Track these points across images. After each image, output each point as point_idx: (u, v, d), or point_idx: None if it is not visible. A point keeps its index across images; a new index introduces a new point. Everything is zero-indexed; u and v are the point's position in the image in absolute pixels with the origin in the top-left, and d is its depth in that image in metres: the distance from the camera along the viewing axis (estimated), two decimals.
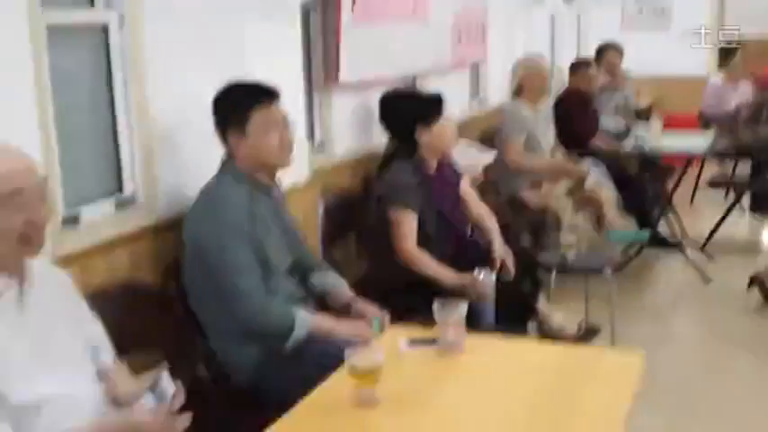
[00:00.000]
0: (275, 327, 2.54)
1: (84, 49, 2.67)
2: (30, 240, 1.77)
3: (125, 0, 2.68)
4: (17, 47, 2.23)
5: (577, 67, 6.23)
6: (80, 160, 2.65)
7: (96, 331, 2.00)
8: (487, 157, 4.72)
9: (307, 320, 2.57)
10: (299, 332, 2.54)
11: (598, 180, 5.19)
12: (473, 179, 4.24)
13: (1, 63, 2.17)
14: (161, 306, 2.36)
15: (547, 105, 5.46)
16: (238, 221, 2.54)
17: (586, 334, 3.72)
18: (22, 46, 2.24)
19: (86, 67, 2.68)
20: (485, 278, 3.05)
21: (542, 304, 3.66)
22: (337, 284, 2.86)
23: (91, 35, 2.67)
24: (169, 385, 1.83)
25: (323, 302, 2.82)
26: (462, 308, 2.32)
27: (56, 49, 2.45)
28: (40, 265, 1.88)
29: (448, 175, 3.60)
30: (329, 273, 2.90)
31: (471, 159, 4.53)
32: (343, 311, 2.77)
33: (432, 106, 3.52)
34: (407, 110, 3.60)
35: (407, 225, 3.31)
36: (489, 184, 4.59)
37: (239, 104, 2.65)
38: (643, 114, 7.37)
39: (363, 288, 3.31)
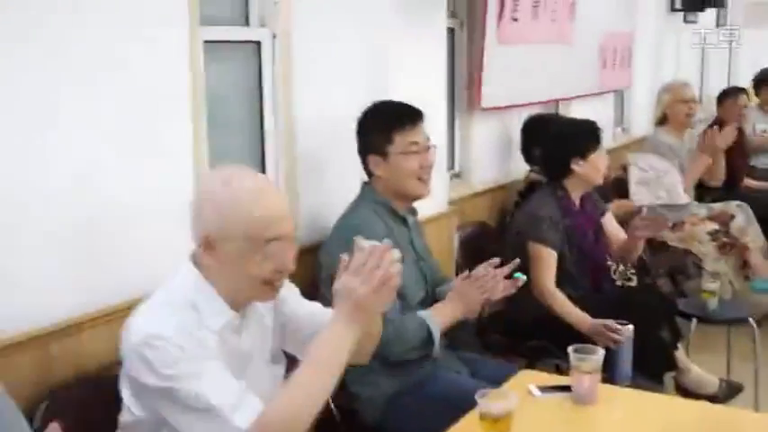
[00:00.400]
0: (415, 341, 2.50)
1: (238, 65, 2.73)
2: (272, 287, 1.77)
3: (278, 19, 2.72)
4: (177, 61, 2.30)
5: (725, 95, 5.91)
6: None
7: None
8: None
9: (433, 318, 2.53)
10: (436, 333, 2.50)
11: (744, 224, 4.90)
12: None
13: (161, 75, 2.25)
14: None
15: (692, 136, 5.22)
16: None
17: (728, 392, 3.50)
18: (181, 60, 2.30)
19: (239, 83, 2.74)
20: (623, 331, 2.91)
21: (681, 355, 3.48)
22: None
23: (244, 51, 2.73)
24: None
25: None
26: (599, 355, 2.22)
27: (211, 64, 2.52)
28: None
29: (590, 209, 3.47)
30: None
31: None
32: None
33: (588, 135, 3.37)
34: (561, 138, 3.46)
35: (546, 261, 3.22)
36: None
37: (382, 126, 2.64)
38: None
39: (497, 324, 3.25)
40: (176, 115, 2.30)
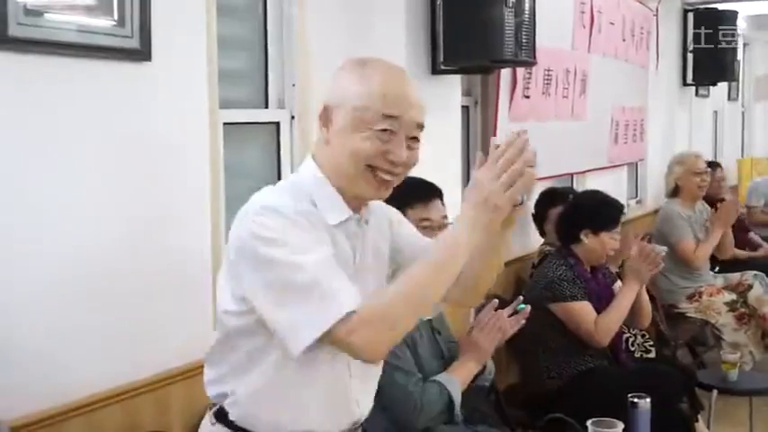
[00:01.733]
0: (438, 408, 2.49)
1: (257, 145, 2.81)
2: (377, 177, 1.61)
3: (296, 100, 2.81)
4: (197, 142, 2.37)
5: None
6: None
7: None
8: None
9: (454, 382, 2.53)
10: (456, 397, 2.50)
11: (762, 293, 4.88)
12: None
13: (182, 157, 2.32)
14: None
15: (704, 207, 5.24)
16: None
17: None
18: (201, 142, 2.38)
19: (258, 162, 2.82)
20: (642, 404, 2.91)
21: (701, 428, 3.43)
22: None
23: (263, 132, 2.81)
24: None
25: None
26: (618, 429, 2.23)
27: (231, 144, 2.60)
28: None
29: (601, 278, 3.49)
30: None
31: None
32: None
33: (608, 213, 3.43)
34: (581, 205, 3.53)
35: (582, 311, 3.25)
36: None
37: (395, 203, 2.67)
38: None
39: (513, 396, 3.24)
40: (196, 194, 2.37)
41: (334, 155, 1.61)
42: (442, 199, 2.67)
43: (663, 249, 4.14)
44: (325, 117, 1.63)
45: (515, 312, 2.64)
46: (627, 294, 3.28)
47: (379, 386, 2.50)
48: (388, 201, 2.65)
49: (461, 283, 1.66)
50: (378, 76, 1.60)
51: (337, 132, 1.60)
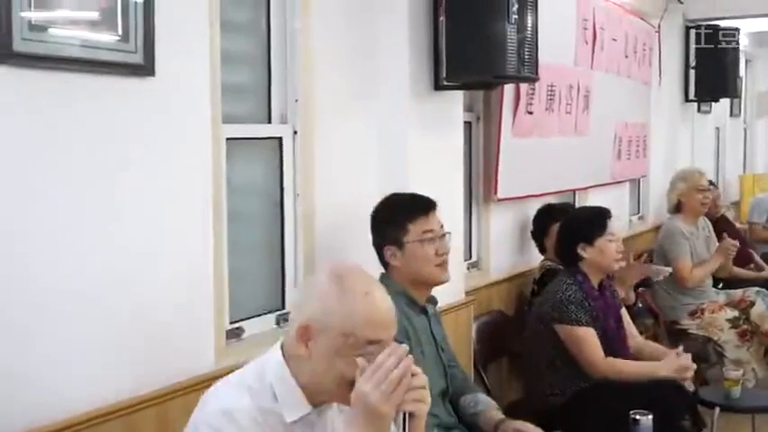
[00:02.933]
0: None
1: (260, 159, 2.82)
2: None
3: (298, 115, 2.82)
4: (200, 157, 2.38)
5: None
6: (247, 272, 2.75)
7: None
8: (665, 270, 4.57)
9: None
10: None
11: (765, 310, 4.86)
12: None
13: (185, 171, 2.32)
14: None
15: (706, 223, 5.24)
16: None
17: None
18: (204, 157, 2.39)
19: (260, 177, 2.83)
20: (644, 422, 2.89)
21: None
22: (487, 405, 2.78)
23: (266, 147, 2.82)
24: None
25: (473, 426, 2.74)
26: None
27: (234, 159, 2.61)
28: None
29: (608, 296, 3.48)
30: (479, 395, 2.83)
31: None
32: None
33: (594, 220, 3.41)
34: (568, 224, 3.52)
35: (589, 340, 3.22)
36: (648, 311, 4.41)
37: (396, 217, 2.68)
38: None
39: (516, 413, 3.22)
40: (198, 209, 2.37)
41: (316, 371, 1.67)
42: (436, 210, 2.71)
43: (667, 271, 4.15)
44: (307, 335, 1.66)
45: None
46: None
47: None
48: (387, 217, 2.67)
49: None
50: (359, 298, 1.66)
51: (319, 353, 1.66)
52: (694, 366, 3.25)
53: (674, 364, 3.21)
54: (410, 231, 2.65)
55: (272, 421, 1.64)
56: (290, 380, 1.68)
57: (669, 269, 4.17)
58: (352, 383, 1.61)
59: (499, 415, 2.75)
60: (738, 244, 5.00)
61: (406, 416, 1.57)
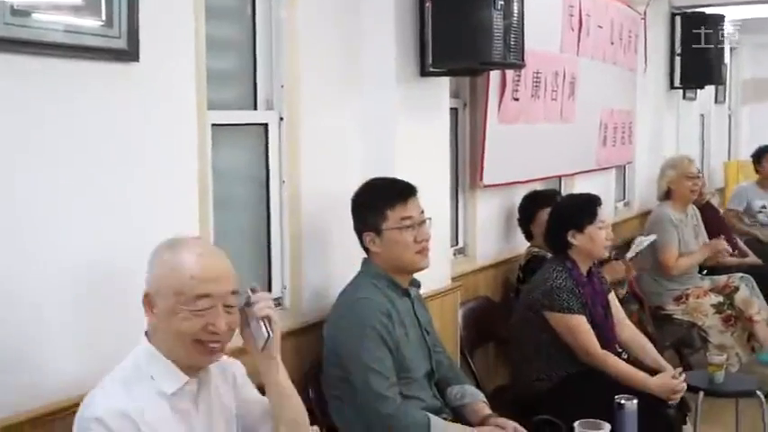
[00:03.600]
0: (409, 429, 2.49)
1: (245, 146, 2.81)
2: (205, 347, 1.80)
3: (284, 101, 2.81)
4: (185, 144, 2.37)
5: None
6: (233, 257, 2.72)
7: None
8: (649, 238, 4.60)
9: (441, 428, 2.52)
10: None
11: (749, 296, 4.91)
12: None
13: (170, 157, 2.32)
14: None
15: (695, 211, 5.27)
16: (377, 323, 2.55)
17: None
18: (189, 143, 2.38)
19: (246, 163, 2.82)
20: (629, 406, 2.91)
21: (688, 430, 3.44)
22: (475, 397, 2.80)
23: (252, 133, 2.81)
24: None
25: (459, 415, 2.75)
26: (605, 431, 2.23)
27: (219, 145, 2.60)
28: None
29: (597, 283, 3.49)
30: (466, 385, 2.85)
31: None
32: (480, 425, 2.70)
33: (584, 208, 3.42)
34: (558, 212, 3.52)
35: (581, 327, 3.23)
36: (633, 296, 4.44)
37: (375, 203, 2.68)
38: None
39: (502, 398, 3.25)
40: (183, 196, 2.36)
41: (165, 336, 1.80)
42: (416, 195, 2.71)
43: (650, 239, 4.22)
44: (148, 303, 1.81)
45: None
46: None
47: (354, 386, 2.51)
48: (366, 203, 2.67)
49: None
50: (183, 258, 1.80)
51: (161, 317, 1.79)
52: (684, 389, 3.23)
53: (667, 384, 3.18)
54: (389, 218, 2.65)
55: (152, 404, 1.75)
56: (158, 355, 1.81)
57: (653, 236, 4.19)
58: (196, 340, 1.77)
59: (486, 410, 2.75)
60: (731, 249, 5.06)
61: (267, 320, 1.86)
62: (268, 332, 1.88)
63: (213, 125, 2.55)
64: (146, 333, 1.85)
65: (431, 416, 2.54)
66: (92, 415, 1.70)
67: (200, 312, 1.77)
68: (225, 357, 1.94)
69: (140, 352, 1.83)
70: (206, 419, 1.86)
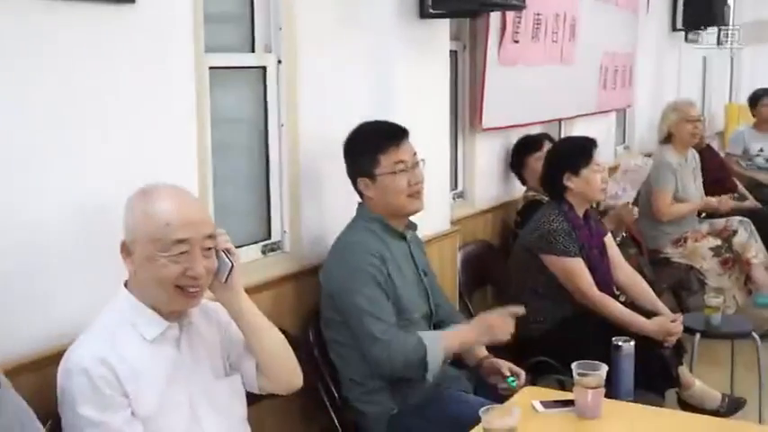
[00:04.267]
0: (408, 363, 2.50)
1: (243, 90, 2.79)
2: (185, 293, 1.84)
3: (282, 44, 2.78)
4: (183, 87, 2.35)
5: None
6: (233, 202, 2.75)
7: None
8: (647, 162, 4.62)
9: (436, 340, 2.53)
10: (434, 357, 2.50)
11: (747, 239, 4.93)
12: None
13: (168, 101, 2.30)
14: (300, 353, 2.40)
15: (695, 154, 5.26)
16: (369, 265, 2.56)
17: (730, 407, 3.51)
18: (186, 87, 2.36)
19: (244, 107, 2.80)
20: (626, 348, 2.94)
21: (684, 371, 3.49)
22: None
23: (250, 77, 2.79)
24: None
25: (456, 357, 2.78)
26: (602, 371, 2.26)
27: (217, 89, 2.57)
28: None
29: (594, 226, 3.50)
30: None
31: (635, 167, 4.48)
32: (476, 366, 2.74)
33: (580, 151, 3.41)
34: (554, 156, 3.52)
35: (578, 270, 3.26)
36: (632, 239, 4.45)
37: (367, 149, 2.66)
38: None
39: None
40: (181, 140, 2.35)
41: (144, 283, 1.83)
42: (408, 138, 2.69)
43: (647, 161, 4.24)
44: (126, 252, 1.84)
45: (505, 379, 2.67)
46: None
47: (353, 329, 2.53)
48: (358, 149, 2.65)
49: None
50: (158, 205, 1.82)
51: (139, 264, 1.82)
52: (680, 331, 3.28)
53: (663, 326, 3.22)
54: (381, 163, 2.63)
55: (135, 350, 1.80)
56: (137, 303, 1.85)
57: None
58: (176, 286, 1.80)
59: (483, 351, 2.78)
60: (729, 208, 5.07)
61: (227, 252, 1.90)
62: (231, 263, 1.90)
63: (211, 68, 2.53)
64: (125, 284, 1.88)
65: (422, 335, 2.54)
66: (76, 366, 1.75)
67: (177, 258, 1.79)
68: (205, 301, 1.97)
69: (121, 300, 1.86)
70: (191, 362, 1.90)
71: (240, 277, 1.95)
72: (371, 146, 2.66)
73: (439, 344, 2.53)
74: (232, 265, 1.91)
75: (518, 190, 4.27)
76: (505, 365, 2.69)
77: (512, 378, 2.64)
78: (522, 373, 2.69)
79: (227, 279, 1.91)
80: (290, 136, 2.81)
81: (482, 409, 2.00)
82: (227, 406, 1.96)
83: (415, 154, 2.69)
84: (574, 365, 2.26)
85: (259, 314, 1.99)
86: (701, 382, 3.56)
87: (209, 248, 1.86)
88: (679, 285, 4.66)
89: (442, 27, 3.49)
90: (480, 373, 2.72)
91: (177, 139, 2.34)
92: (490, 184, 4.21)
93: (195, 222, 1.83)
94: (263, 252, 2.80)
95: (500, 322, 2.64)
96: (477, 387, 2.70)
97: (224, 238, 1.92)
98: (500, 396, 2.52)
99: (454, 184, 4.00)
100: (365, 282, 2.54)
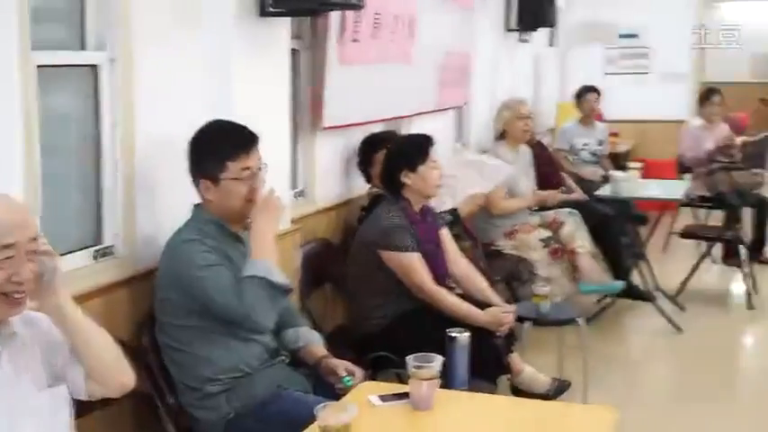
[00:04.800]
0: (262, 299, 2.50)
1: (75, 89, 2.70)
2: (9, 299, 1.78)
3: (116, 42, 2.71)
4: (7, 86, 2.25)
5: None
6: (62, 206, 2.66)
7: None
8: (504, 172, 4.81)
9: (254, 263, 2.53)
10: (267, 271, 2.51)
11: (573, 230, 5.24)
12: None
13: None
14: (134, 359, 2.35)
15: (527, 150, 5.53)
16: (201, 261, 2.53)
17: (558, 389, 3.72)
18: (11, 86, 2.26)
19: (76, 107, 2.72)
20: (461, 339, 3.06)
21: (515, 358, 3.67)
22: (311, 340, 2.84)
23: (81, 75, 2.71)
24: None
25: (296, 358, 2.81)
26: (436, 363, 2.33)
27: (47, 88, 2.49)
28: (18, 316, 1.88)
29: (431, 221, 3.62)
30: (303, 328, 2.88)
31: (485, 174, 4.63)
32: (317, 367, 2.77)
33: (417, 148, 3.51)
34: (392, 153, 3.60)
35: (415, 265, 3.34)
36: (466, 233, 4.62)
37: (216, 152, 2.63)
38: (621, 159, 7.51)
39: (340, 338, 3.33)
40: (7, 142, 2.26)
41: None
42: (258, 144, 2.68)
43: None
44: None
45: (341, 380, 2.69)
46: None
47: (208, 307, 2.50)
48: (206, 150, 2.62)
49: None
50: None
51: None
52: (511, 321, 3.44)
53: (495, 317, 3.37)
54: (228, 169, 2.61)
55: None
56: None
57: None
58: (0, 293, 1.75)
59: (321, 351, 2.81)
60: (556, 202, 5.39)
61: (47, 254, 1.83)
62: (51, 265, 1.85)
63: (39, 66, 2.43)
64: None
65: (247, 270, 2.53)
66: None
67: (3, 263, 1.75)
68: (27, 311, 1.90)
69: None
70: (12, 375, 1.83)
71: (62, 280, 1.88)
72: (221, 150, 2.62)
73: (257, 265, 2.52)
74: (52, 268, 1.84)
75: (360, 188, 4.34)
76: (342, 365, 2.72)
77: (347, 378, 2.67)
78: (359, 371, 2.73)
79: (47, 283, 1.84)
80: (124, 136, 2.75)
81: (317, 407, 2.04)
82: (51, 417, 1.89)
83: (260, 159, 2.67)
84: (408, 359, 2.33)
85: (83, 317, 1.93)
86: (532, 367, 3.75)
87: (34, 251, 1.80)
88: (511, 276, 4.87)
89: (283, 26, 3.49)
90: (319, 372, 2.76)
91: (2, 140, 2.24)
92: (331, 182, 4.25)
93: (20, 226, 1.78)
94: (95, 257, 2.73)
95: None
96: (316, 386, 2.72)
97: (42, 241, 1.85)
98: (340, 394, 2.57)
99: (295, 183, 4.02)
100: (207, 270, 2.51)
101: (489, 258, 4.79)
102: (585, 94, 6.93)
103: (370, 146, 4.21)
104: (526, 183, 5.35)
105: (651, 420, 3.96)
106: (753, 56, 12.01)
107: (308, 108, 4.08)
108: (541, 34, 7.86)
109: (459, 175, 4.59)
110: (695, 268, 5.94)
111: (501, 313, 3.40)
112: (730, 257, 6.56)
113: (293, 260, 3.51)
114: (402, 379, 3.11)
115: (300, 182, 4.11)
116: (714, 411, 4.13)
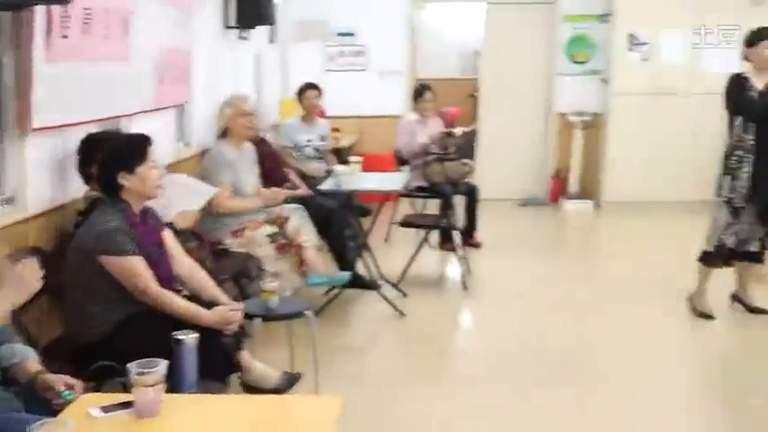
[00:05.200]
0: None
1: None
2: None
3: None
4: None
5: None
6: None
7: None
8: (211, 191, 4.75)
9: None
10: None
11: (299, 224, 5.37)
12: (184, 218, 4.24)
13: None
14: None
15: (250, 147, 5.58)
16: None
17: (287, 382, 3.78)
18: None
19: None
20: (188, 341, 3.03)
21: (245, 355, 3.69)
22: (25, 356, 2.69)
23: None
24: None
25: (9, 375, 2.64)
26: (161, 367, 2.31)
27: None
28: None
29: (152, 223, 3.55)
30: (15, 344, 2.72)
31: (194, 191, 4.55)
32: (32, 384, 2.62)
33: (134, 149, 3.42)
34: (108, 153, 3.48)
35: (137, 269, 3.26)
36: (192, 234, 4.58)
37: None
38: (344, 153, 7.81)
39: (57, 350, 3.18)
40: None
41: None
42: None
43: None
44: None
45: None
46: None
47: None
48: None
49: None
50: None
51: None
52: (238, 319, 3.46)
53: (222, 316, 3.38)
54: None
55: None
56: None
57: None
58: None
59: (35, 366, 2.68)
60: (281, 200, 5.45)
61: None
62: None
63: None
64: None
65: None
66: None
67: None
68: None
69: None
70: None
71: None
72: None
73: None
74: None
75: (77, 190, 4.14)
76: (60, 380, 2.59)
77: (66, 392, 2.56)
78: (79, 384, 2.63)
79: None
80: None
81: (32, 425, 1.95)
82: None
83: None
84: (130, 365, 2.29)
85: None
86: (262, 363, 3.80)
87: None
88: (240, 274, 4.91)
89: None
90: (35, 389, 2.61)
91: None
92: (45, 186, 4.01)
93: None
94: None
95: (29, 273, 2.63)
96: (28, 404, 2.57)
97: None
98: (57, 410, 2.46)
99: (1, 190, 3.74)
100: None
101: (217, 257, 4.79)
102: (306, 90, 7.11)
103: (88, 146, 4.03)
104: (251, 180, 5.40)
105: (379, 404, 4.18)
106: (459, 54, 13.00)
107: (14, 109, 3.81)
108: (261, 32, 7.93)
109: (170, 194, 4.49)
110: (415, 255, 6.33)
111: (228, 312, 3.41)
112: (446, 243, 7.10)
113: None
114: (128, 388, 3.05)
115: (7, 188, 3.83)
116: (435, 393, 4.40)
